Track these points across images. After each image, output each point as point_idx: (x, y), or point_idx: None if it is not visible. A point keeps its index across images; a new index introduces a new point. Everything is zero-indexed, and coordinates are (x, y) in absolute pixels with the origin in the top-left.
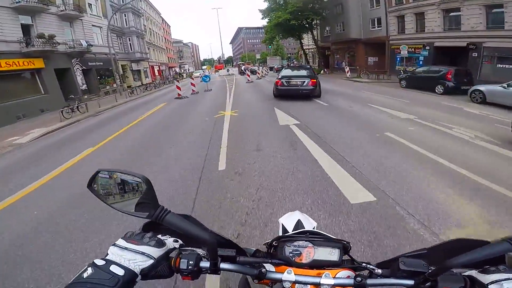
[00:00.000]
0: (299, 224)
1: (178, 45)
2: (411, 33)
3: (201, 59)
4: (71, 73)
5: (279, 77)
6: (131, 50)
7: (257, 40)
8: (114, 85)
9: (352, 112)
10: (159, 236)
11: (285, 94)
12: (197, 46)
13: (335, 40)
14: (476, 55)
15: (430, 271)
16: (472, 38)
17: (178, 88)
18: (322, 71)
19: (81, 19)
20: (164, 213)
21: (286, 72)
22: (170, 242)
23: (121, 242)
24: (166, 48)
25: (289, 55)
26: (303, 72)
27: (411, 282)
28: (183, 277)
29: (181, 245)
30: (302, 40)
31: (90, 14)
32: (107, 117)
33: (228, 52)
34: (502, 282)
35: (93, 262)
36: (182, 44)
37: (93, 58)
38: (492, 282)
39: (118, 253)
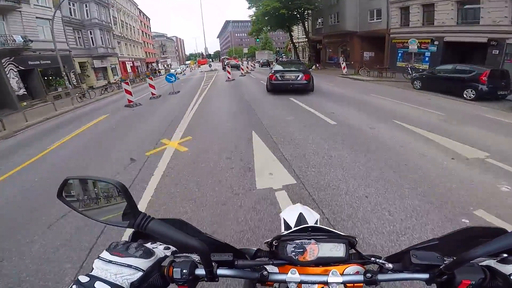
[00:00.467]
0: (301, 218)
1: (160, 39)
2: (416, 26)
3: (188, 53)
4: (1, 75)
5: (272, 71)
6: (93, 45)
7: (245, 34)
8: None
9: (379, 142)
10: (148, 244)
11: (279, 88)
12: (182, 40)
13: (328, 33)
14: (497, 53)
15: (445, 263)
16: (493, 34)
17: (128, 92)
18: (313, 67)
19: (19, 11)
20: (146, 221)
21: (278, 67)
22: (160, 250)
23: (105, 254)
24: (144, 42)
25: (277, 49)
26: (296, 67)
27: (425, 276)
28: (179, 286)
29: (174, 252)
30: (292, 33)
31: (35, 4)
32: (12, 145)
33: (216, 47)
34: None
35: (77, 279)
36: (165, 38)
37: (35, 56)
38: None
39: (103, 268)
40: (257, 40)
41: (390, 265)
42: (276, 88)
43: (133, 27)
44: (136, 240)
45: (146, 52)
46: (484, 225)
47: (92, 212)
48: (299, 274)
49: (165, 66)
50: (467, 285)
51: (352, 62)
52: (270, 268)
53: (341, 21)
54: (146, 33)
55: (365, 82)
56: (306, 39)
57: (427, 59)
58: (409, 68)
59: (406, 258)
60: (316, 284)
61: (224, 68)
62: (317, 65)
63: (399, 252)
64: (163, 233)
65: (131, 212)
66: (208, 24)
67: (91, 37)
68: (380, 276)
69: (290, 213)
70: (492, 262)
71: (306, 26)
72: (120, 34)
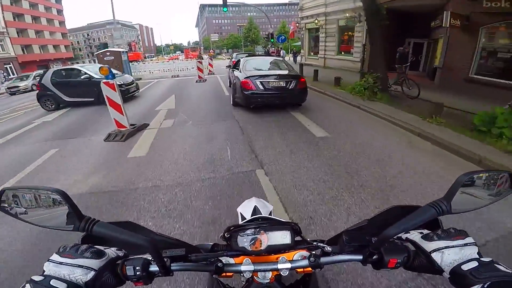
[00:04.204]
0: (256, 210)
1: (112, 26)
2: None
3: (164, 44)
4: None
5: (245, 75)
6: None
7: (225, 21)
8: None
9: None
10: (99, 247)
11: (259, 102)
12: (151, 29)
13: None
14: None
15: (372, 243)
16: None
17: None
18: None
19: None
20: (91, 223)
21: (250, 66)
22: (111, 251)
23: (55, 257)
24: (21, 30)
25: (268, 34)
26: (278, 65)
27: (359, 257)
28: (134, 283)
29: (125, 255)
30: None
31: None
32: None
33: (195, 37)
34: (443, 250)
35: (31, 278)
36: (120, 26)
37: None
38: (434, 250)
39: (54, 269)
40: (224, 9)
41: (329, 248)
42: (254, 102)
43: None
44: (87, 243)
45: (23, 45)
46: (406, 204)
47: (36, 219)
48: (253, 263)
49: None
50: (395, 263)
51: None
52: (226, 259)
53: None
54: (40, 18)
55: None
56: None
57: None
58: None
59: (341, 240)
60: (270, 272)
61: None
62: None
63: (336, 235)
64: (109, 234)
65: (75, 216)
66: (186, 11)
67: None
68: (322, 259)
69: (245, 207)
70: (417, 238)
71: None
72: None
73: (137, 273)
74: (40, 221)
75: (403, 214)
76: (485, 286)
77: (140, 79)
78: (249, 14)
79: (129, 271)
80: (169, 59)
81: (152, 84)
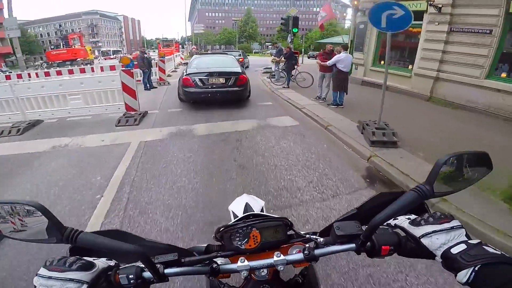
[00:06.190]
0: (247, 207)
1: (88, 17)
2: None
3: (154, 37)
4: None
5: (187, 72)
6: None
7: (219, 14)
8: None
9: None
10: (88, 258)
11: (198, 99)
12: (138, 21)
13: None
14: None
15: (363, 231)
16: None
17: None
18: None
19: None
20: (74, 234)
21: (196, 64)
22: (101, 261)
23: (43, 271)
24: None
25: (282, 20)
26: (225, 63)
27: (352, 246)
28: None
29: (116, 264)
30: None
31: None
32: None
33: (189, 31)
34: (431, 234)
35: None
36: (99, 16)
37: None
38: (422, 236)
39: (46, 284)
40: None
41: (322, 240)
42: (194, 98)
43: None
44: (74, 255)
45: None
46: (393, 190)
47: (16, 233)
48: (248, 261)
49: None
50: (388, 250)
51: None
52: (220, 260)
53: None
54: None
55: None
56: None
57: None
58: None
59: (332, 231)
60: (267, 269)
61: None
62: None
63: (327, 226)
64: (94, 243)
65: (57, 228)
66: (179, 4)
67: None
68: (317, 251)
69: (237, 205)
70: (406, 224)
71: None
72: None
73: (131, 281)
74: (20, 235)
75: (390, 200)
76: (476, 268)
77: None
78: (246, 7)
79: (123, 280)
80: (133, 57)
81: None
